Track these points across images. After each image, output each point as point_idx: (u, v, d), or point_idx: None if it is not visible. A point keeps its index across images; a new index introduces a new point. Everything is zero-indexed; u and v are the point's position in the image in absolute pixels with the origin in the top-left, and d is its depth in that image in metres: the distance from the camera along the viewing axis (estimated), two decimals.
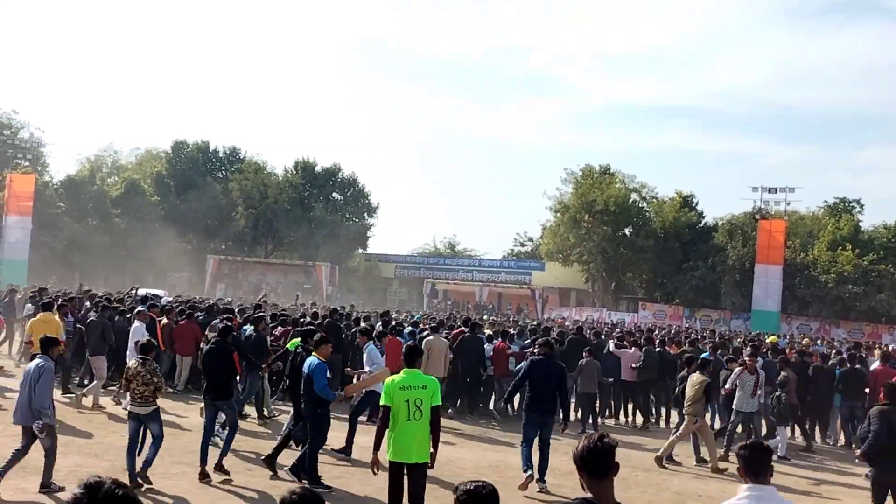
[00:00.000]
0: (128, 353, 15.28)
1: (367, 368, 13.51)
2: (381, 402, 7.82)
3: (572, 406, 16.06)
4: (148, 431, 10.07)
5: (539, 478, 10.70)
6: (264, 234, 59.44)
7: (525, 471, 10.75)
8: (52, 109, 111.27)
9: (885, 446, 8.81)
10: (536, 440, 10.92)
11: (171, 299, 26.17)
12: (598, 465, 3.93)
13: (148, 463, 9.87)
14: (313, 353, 10.34)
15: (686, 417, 13.39)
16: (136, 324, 15.74)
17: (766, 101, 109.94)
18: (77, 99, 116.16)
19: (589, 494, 3.87)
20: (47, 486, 9.30)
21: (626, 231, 53.74)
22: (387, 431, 7.72)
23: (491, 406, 17.74)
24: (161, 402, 10.61)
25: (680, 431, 13.50)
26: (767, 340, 23.82)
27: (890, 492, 9.07)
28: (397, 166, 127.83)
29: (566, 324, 32.34)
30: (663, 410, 17.83)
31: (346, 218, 61.66)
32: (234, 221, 60.01)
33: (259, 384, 14.93)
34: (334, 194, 62.29)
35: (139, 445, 9.99)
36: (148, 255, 54.18)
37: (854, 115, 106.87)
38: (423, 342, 15.47)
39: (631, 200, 54.12)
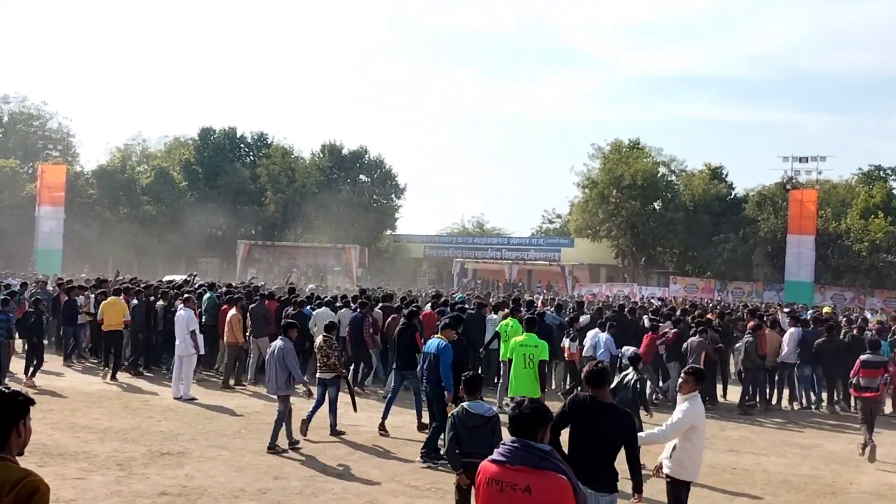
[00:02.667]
0: (178, 341, 15.21)
1: None
2: (503, 358, 12.10)
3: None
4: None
5: None
6: (293, 218, 59.71)
7: None
8: (81, 100, 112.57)
9: None
10: None
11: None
12: (597, 380, 6.31)
13: (327, 421, 12.17)
14: (438, 335, 11.07)
15: None
16: (186, 312, 15.42)
17: (796, 68, 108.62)
18: (105, 89, 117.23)
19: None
20: (273, 448, 10.95)
21: (656, 205, 53.28)
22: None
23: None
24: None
25: None
26: (824, 311, 23.52)
27: None
28: (424, 146, 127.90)
29: (605, 299, 32.16)
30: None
31: (373, 199, 61.77)
32: (263, 206, 60.34)
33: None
34: (361, 176, 62.37)
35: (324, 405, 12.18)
36: (179, 241, 54.70)
37: (886, 79, 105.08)
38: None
39: (659, 174, 53.64)
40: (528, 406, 4.18)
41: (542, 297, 30.07)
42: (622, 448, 6.14)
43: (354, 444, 11.76)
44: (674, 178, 55.32)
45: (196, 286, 20.73)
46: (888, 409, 16.67)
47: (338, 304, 18.67)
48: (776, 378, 17.40)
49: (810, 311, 26.21)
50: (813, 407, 17.09)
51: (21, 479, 3.60)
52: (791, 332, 17.48)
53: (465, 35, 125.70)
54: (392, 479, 9.90)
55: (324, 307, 17.86)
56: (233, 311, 16.61)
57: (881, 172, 57.00)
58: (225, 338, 16.76)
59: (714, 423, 14.83)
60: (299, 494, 9.09)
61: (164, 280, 27.57)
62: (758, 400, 16.86)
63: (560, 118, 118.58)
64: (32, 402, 3.71)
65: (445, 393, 10.63)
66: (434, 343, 10.91)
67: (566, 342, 16.41)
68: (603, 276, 56.48)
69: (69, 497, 8.55)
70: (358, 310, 17.08)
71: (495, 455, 4.06)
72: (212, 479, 9.50)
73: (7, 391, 3.64)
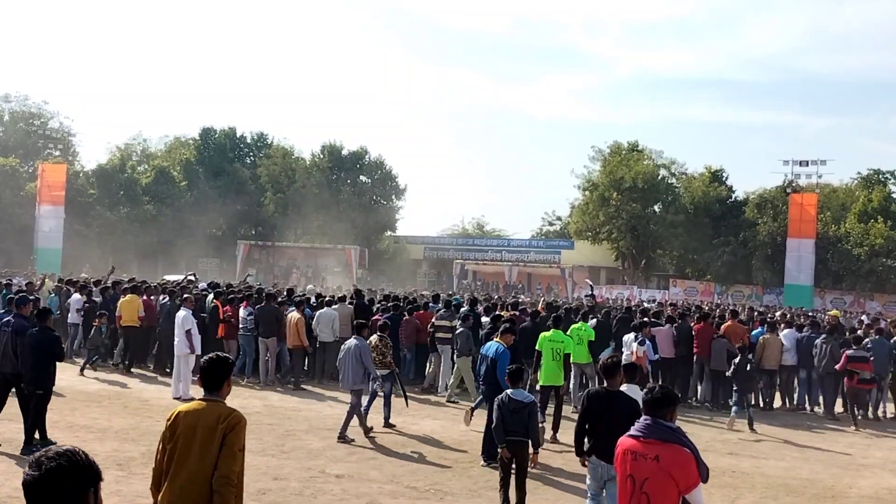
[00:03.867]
0: (176, 340, 15.29)
1: None
2: (537, 348, 13.15)
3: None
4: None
5: None
6: (293, 219, 59.74)
7: None
8: (82, 99, 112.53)
9: None
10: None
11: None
12: (609, 372, 7.80)
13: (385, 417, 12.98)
14: (496, 339, 11.47)
15: None
16: (184, 312, 15.51)
17: (797, 70, 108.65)
18: (106, 88, 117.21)
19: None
20: (342, 437, 11.88)
21: (656, 208, 53.38)
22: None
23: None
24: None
25: None
26: (829, 314, 23.49)
27: None
28: (424, 147, 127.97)
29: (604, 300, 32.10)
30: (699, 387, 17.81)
31: (373, 200, 61.77)
32: (263, 206, 60.36)
33: None
34: (362, 177, 62.36)
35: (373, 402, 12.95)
36: (179, 241, 54.69)
37: (887, 81, 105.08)
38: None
39: (660, 177, 53.69)
40: (658, 392, 5.00)
41: (543, 299, 29.99)
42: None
43: (354, 445, 11.76)
44: (674, 180, 55.36)
45: (200, 289, 20.64)
46: (890, 412, 16.70)
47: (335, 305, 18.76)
48: (776, 381, 17.47)
49: (811, 314, 26.27)
50: (808, 409, 17.16)
51: (230, 413, 5.24)
52: (785, 335, 17.54)
53: (466, 34, 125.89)
54: (391, 481, 9.89)
55: (324, 307, 18.02)
56: (297, 315, 17.01)
57: (880, 176, 57.04)
58: (289, 341, 17.03)
59: (713, 428, 14.85)
60: (299, 495, 9.07)
61: (162, 280, 27.57)
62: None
63: (560, 118, 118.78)
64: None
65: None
66: (493, 347, 11.26)
67: (635, 346, 16.37)
68: (603, 278, 56.50)
69: None
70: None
71: (632, 431, 4.92)
72: None
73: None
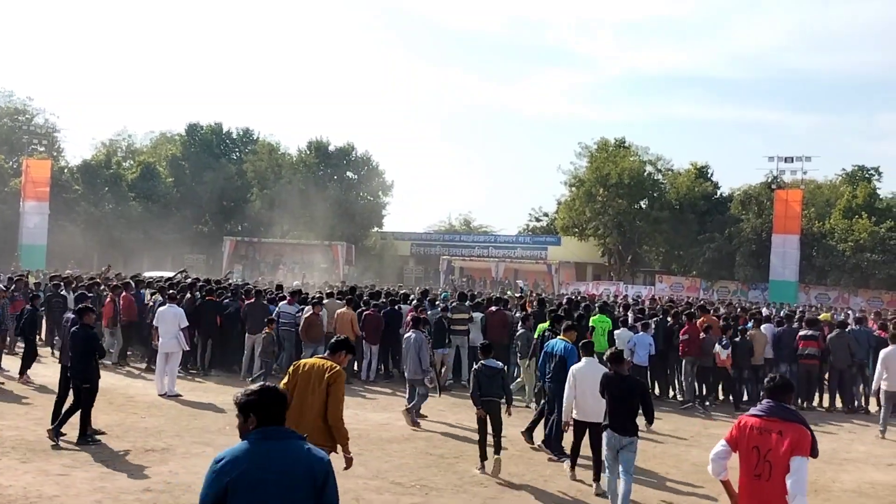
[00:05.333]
0: (164, 337, 15.14)
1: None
2: (535, 335, 14.20)
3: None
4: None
5: None
6: (280, 215, 59.57)
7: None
8: (66, 95, 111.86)
9: None
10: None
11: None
12: (615, 359, 9.13)
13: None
14: (560, 337, 11.58)
15: None
16: (177, 309, 15.49)
17: (783, 68, 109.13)
18: (90, 84, 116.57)
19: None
20: (415, 423, 12.96)
21: (642, 204, 53.47)
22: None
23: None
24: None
25: None
26: (821, 317, 23.56)
27: None
28: (412, 144, 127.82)
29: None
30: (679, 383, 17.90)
31: (360, 197, 61.63)
32: (249, 202, 60.14)
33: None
34: (348, 173, 62.16)
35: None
36: (165, 237, 54.43)
37: (871, 80, 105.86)
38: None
39: (646, 173, 53.79)
40: (780, 380, 5.95)
41: (533, 293, 30.06)
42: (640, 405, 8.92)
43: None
44: (660, 176, 55.46)
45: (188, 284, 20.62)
46: (872, 407, 16.82)
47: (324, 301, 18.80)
48: (759, 375, 17.56)
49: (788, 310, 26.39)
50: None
51: (335, 367, 6.93)
52: (764, 329, 17.65)
53: (454, 32, 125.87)
54: (376, 477, 9.90)
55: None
56: (346, 310, 17.11)
57: (864, 173, 57.36)
58: (310, 336, 16.90)
59: (698, 422, 14.94)
60: None
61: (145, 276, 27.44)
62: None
63: (548, 116, 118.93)
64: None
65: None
66: (560, 345, 11.36)
67: (718, 348, 16.48)
68: (589, 274, 56.63)
69: (52, 493, 8.51)
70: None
71: (755, 411, 5.84)
72: (196, 476, 9.44)
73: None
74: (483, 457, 10.36)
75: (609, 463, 8.88)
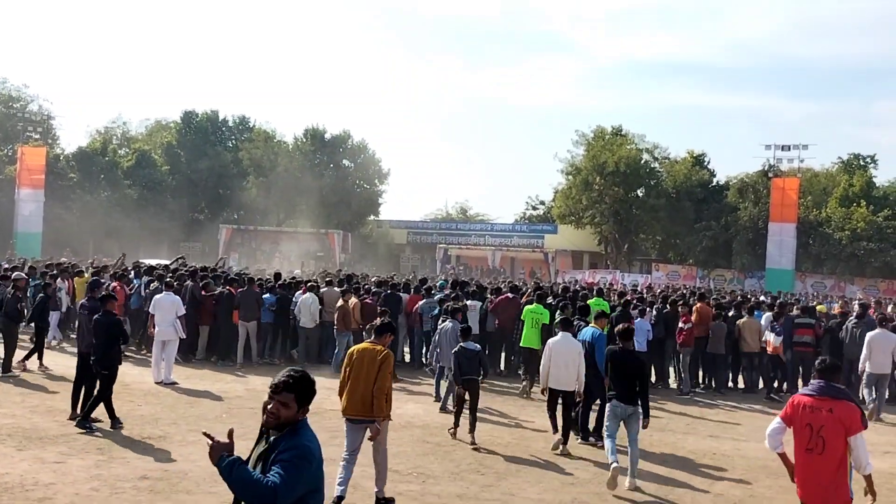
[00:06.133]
0: (160, 325, 15.02)
1: None
2: (521, 318, 15.80)
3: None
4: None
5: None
6: (276, 203, 59.48)
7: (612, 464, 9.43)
8: (60, 82, 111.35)
9: None
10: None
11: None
12: (624, 336, 9.92)
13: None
14: (592, 325, 11.91)
15: None
16: (174, 297, 15.46)
17: (779, 55, 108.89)
18: (85, 71, 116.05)
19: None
20: (444, 408, 13.41)
21: (638, 192, 53.43)
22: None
23: None
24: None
25: None
26: (817, 309, 23.62)
27: None
28: (408, 131, 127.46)
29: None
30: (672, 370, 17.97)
31: (356, 185, 61.49)
32: (245, 190, 60.00)
33: None
34: (345, 161, 62.00)
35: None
36: (161, 225, 54.30)
37: (868, 67, 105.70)
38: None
39: (643, 161, 53.72)
40: (830, 362, 6.50)
41: (532, 281, 30.10)
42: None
43: (336, 429, 11.73)
44: (656, 164, 55.39)
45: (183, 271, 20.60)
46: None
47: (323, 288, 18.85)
48: (757, 363, 17.65)
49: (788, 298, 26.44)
50: (786, 391, 17.40)
51: (384, 350, 8.26)
52: (765, 318, 17.73)
53: (449, 19, 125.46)
54: (373, 464, 9.88)
55: (308, 293, 18.15)
56: (354, 300, 17.11)
57: (860, 161, 57.37)
58: (345, 324, 16.97)
59: (695, 409, 14.96)
60: None
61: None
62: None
63: (544, 104, 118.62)
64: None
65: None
66: (589, 331, 11.73)
67: (771, 336, 16.62)
68: (586, 262, 56.64)
69: (48, 481, 8.49)
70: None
71: (807, 391, 6.42)
72: (192, 464, 9.45)
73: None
74: (457, 424, 11.57)
75: (610, 433, 9.64)
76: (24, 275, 17.48)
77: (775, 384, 17.22)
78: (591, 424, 11.83)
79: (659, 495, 9.33)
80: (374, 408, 8.08)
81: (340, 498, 8.10)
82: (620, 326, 10.28)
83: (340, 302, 17.03)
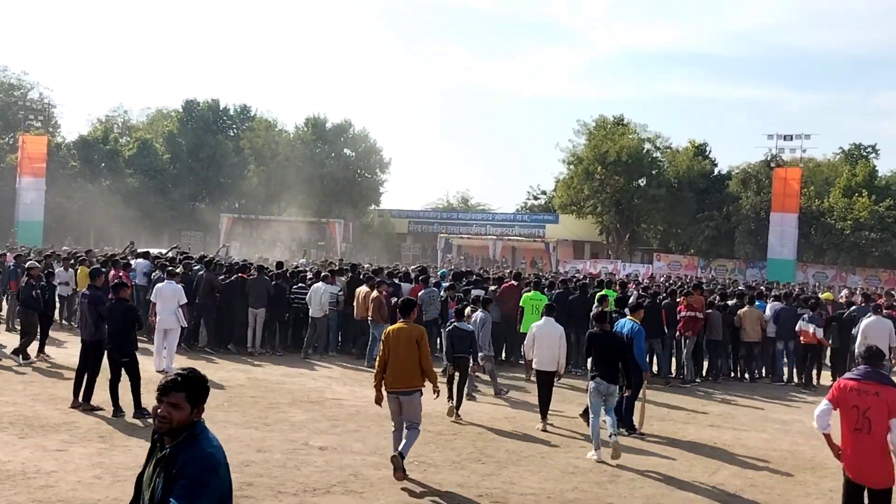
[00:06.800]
0: (162, 314, 14.91)
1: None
2: (521, 304, 16.36)
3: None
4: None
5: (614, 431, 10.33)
6: (277, 192, 59.47)
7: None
8: (61, 70, 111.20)
9: None
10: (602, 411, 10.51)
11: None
12: (601, 319, 10.99)
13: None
14: (629, 317, 11.89)
15: None
16: (176, 286, 15.28)
17: (780, 45, 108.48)
18: (85, 59, 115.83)
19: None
20: (499, 392, 14.21)
21: (640, 182, 53.32)
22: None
23: None
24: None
25: None
26: (822, 297, 23.58)
27: None
28: (409, 121, 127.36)
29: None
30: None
31: (358, 174, 61.44)
32: (246, 179, 59.98)
33: None
34: (346, 150, 61.96)
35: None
36: (162, 214, 54.27)
37: (870, 57, 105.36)
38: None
39: (644, 151, 53.62)
40: (875, 349, 7.08)
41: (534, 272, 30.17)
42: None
43: (337, 417, 11.77)
44: (658, 154, 55.28)
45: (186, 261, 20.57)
46: None
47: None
48: (757, 353, 17.71)
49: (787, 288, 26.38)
50: (785, 381, 17.44)
51: (418, 328, 9.26)
52: (769, 308, 17.77)
53: (451, 9, 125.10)
54: (375, 453, 9.91)
55: (320, 283, 18.24)
56: (375, 294, 16.89)
57: (861, 151, 57.30)
58: (370, 316, 16.79)
59: (695, 400, 14.98)
60: (282, 467, 9.08)
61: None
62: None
63: (545, 93, 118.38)
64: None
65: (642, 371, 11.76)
66: (628, 325, 11.66)
67: (812, 327, 16.73)
68: (587, 252, 56.61)
69: (50, 469, 8.51)
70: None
71: (853, 375, 6.88)
72: None
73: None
74: (451, 397, 12.22)
75: (595, 407, 10.39)
76: (37, 263, 17.52)
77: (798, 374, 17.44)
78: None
79: (659, 485, 9.35)
80: (430, 377, 9.16)
81: (402, 455, 8.92)
82: (595, 310, 11.50)
83: (375, 293, 16.87)
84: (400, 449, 8.94)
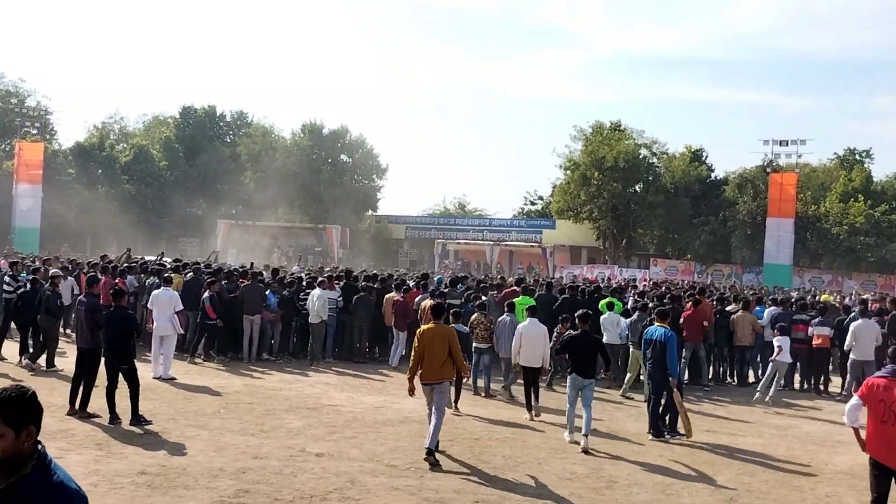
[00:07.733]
0: (158, 321, 14.95)
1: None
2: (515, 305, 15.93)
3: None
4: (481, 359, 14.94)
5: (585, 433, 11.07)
6: (274, 198, 59.48)
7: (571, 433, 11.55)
8: (58, 77, 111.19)
9: None
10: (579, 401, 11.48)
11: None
12: (583, 319, 11.63)
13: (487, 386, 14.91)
14: (659, 323, 12.01)
15: None
16: (172, 293, 15.42)
17: (776, 50, 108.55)
18: (82, 66, 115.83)
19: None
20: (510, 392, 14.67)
21: (637, 187, 53.41)
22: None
23: None
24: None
25: None
26: (821, 299, 23.59)
27: None
28: (405, 127, 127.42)
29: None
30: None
31: (355, 180, 61.46)
32: (243, 185, 60.01)
33: None
34: (343, 156, 61.98)
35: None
36: (158, 220, 54.21)
37: (866, 61, 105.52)
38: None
39: (641, 156, 53.72)
40: None
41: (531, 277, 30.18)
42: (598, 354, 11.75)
43: (334, 424, 11.77)
44: (655, 160, 55.38)
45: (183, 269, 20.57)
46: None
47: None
48: (749, 357, 17.79)
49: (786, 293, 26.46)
50: (784, 386, 17.43)
51: (449, 328, 10.78)
52: (767, 312, 17.83)
53: (448, 11, 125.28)
54: (371, 459, 9.92)
55: (317, 288, 18.31)
56: (428, 302, 16.94)
57: (855, 155, 57.45)
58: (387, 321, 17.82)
59: (691, 404, 14.97)
60: (279, 474, 9.08)
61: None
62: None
63: (542, 97, 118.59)
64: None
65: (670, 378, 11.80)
66: (660, 331, 11.85)
67: (825, 330, 16.88)
68: (584, 257, 56.65)
69: None
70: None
71: (881, 373, 7.32)
72: (191, 459, 9.47)
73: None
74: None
75: (571, 399, 11.51)
76: (59, 272, 17.64)
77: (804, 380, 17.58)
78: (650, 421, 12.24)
79: (657, 489, 9.36)
80: (462, 368, 10.72)
81: (430, 450, 9.84)
82: (580, 311, 11.96)
83: (427, 302, 16.90)
84: (427, 445, 9.88)
